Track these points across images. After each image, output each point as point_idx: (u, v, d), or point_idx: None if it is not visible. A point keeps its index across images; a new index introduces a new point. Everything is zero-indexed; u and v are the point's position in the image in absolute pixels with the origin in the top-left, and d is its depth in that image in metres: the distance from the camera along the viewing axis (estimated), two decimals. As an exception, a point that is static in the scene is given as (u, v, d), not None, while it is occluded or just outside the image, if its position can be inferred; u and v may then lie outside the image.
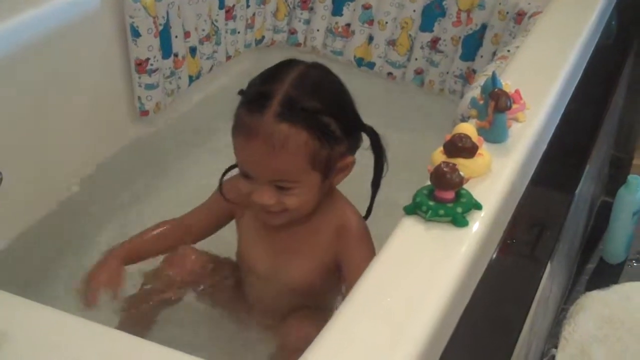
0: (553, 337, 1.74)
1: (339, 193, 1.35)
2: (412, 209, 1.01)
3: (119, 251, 1.37)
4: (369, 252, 1.27)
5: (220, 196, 1.36)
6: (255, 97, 1.21)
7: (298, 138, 1.18)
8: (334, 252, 1.32)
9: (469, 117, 1.24)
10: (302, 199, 1.24)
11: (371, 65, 2.11)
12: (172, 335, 1.37)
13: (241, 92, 1.25)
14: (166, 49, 1.76)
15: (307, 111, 1.19)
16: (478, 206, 1.02)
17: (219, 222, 1.43)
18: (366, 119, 1.82)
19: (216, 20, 1.94)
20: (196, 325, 1.41)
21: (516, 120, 1.20)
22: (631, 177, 1.94)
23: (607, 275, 2.00)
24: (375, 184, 1.36)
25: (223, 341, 1.39)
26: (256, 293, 1.42)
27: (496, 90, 1.13)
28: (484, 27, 1.92)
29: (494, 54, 1.85)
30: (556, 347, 1.72)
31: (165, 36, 1.75)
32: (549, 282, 1.33)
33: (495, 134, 1.15)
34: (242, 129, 1.21)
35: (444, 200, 1.00)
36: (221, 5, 1.95)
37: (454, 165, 1.00)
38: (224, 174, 1.35)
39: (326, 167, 1.23)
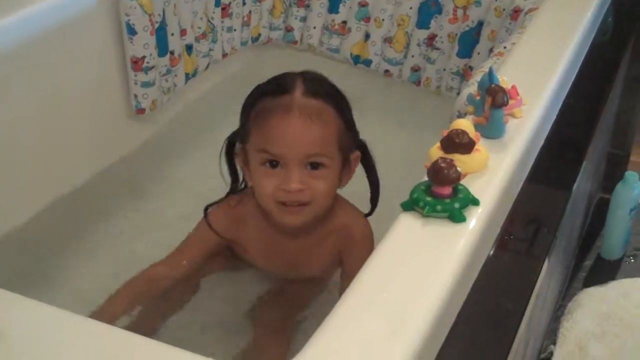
0: (551, 333, 1.75)
1: (342, 198, 1.38)
2: (410, 205, 1.01)
3: (105, 311, 1.32)
4: (370, 247, 1.31)
5: (207, 227, 1.38)
6: (275, 87, 1.27)
7: (329, 111, 1.25)
8: (340, 251, 1.37)
9: (465, 113, 1.24)
10: (328, 185, 1.26)
11: (368, 62, 2.11)
12: (179, 337, 1.37)
13: (256, 91, 1.29)
14: (162, 47, 1.76)
15: (330, 90, 1.28)
16: (475, 202, 1.02)
17: (212, 252, 1.43)
18: (363, 116, 1.83)
19: (212, 18, 1.94)
20: (203, 327, 1.41)
21: (513, 116, 1.20)
22: (628, 174, 1.95)
23: (605, 271, 2.00)
24: (374, 197, 1.40)
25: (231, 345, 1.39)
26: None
27: (493, 86, 1.13)
28: (480, 23, 1.92)
29: (491, 50, 1.85)
30: (554, 344, 1.72)
31: (161, 34, 1.74)
32: (547, 279, 1.33)
33: (492, 129, 1.15)
34: (272, 111, 1.24)
35: (441, 196, 1.00)
36: (217, 3, 1.94)
37: (451, 161, 1.00)
38: (206, 209, 1.38)
39: (346, 152, 1.29)
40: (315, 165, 1.24)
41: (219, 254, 1.44)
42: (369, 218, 1.39)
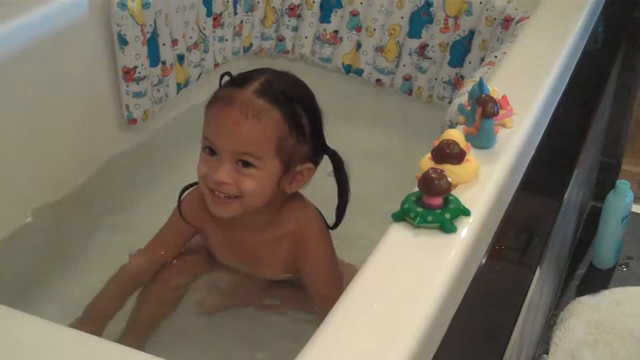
0: (543, 342, 1.75)
1: (301, 198, 1.39)
2: (401, 216, 1.01)
3: (97, 314, 1.35)
4: (327, 251, 1.37)
5: (179, 222, 1.41)
6: (238, 78, 1.29)
7: (272, 114, 1.24)
8: (295, 259, 1.38)
9: (457, 123, 1.24)
10: (258, 185, 1.26)
11: (359, 71, 2.11)
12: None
13: (224, 76, 1.31)
14: (154, 57, 1.76)
15: (284, 95, 1.26)
16: (466, 212, 1.02)
17: (187, 239, 1.47)
18: (355, 126, 1.84)
19: (204, 28, 1.94)
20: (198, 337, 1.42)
21: (503, 126, 1.20)
22: (620, 183, 1.95)
23: (597, 280, 2.00)
24: (340, 211, 1.39)
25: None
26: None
27: (483, 96, 1.13)
28: (471, 33, 1.93)
29: (482, 59, 1.85)
30: (547, 353, 1.72)
31: (152, 44, 1.74)
32: (539, 288, 1.33)
33: (482, 139, 1.15)
34: (218, 100, 1.27)
35: (432, 206, 1.00)
36: (209, 13, 1.94)
37: (442, 171, 1.00)
38: (181, 194, 1.40)
39: (288, 160, 1.28)
40: (245, 163, 1.25)
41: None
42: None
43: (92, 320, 1.33)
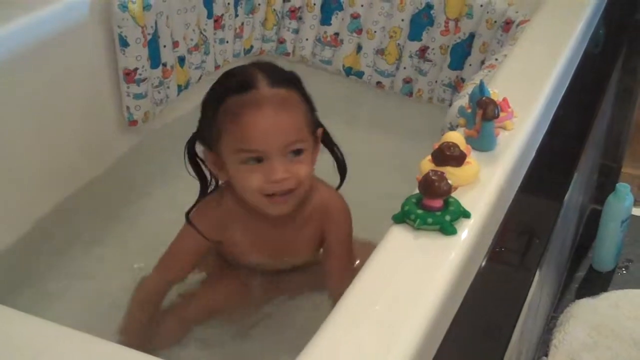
0: (543, 345, 1.75)
1: (314, 178, 1.39)
2: (401, 218, 1.01)
3: (133, 335, 1.37)
4: (349, 230, 1.41)
5: (195, 236, 1.37)
6: (238, 84, 1.27)
7: (293, 97, 1.27)
8: (322, 232, 1.41)
9: (457, 126, 1.24)
10: (308, 167, 1.29)
11: (360, 74, 2.12)
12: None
13: (217, 91, 1.30)
14: (154, 59, 1.76)
15: (283, 76, 1.29)
16: (466, 214, 1.02)
17: (202, 255, 1.44)
18: (355, 128, 1.84)
19: (205, 30, 1.94)
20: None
21: (504, 128, 1.20)
22: (620, 185, 1.95)
23: (597, 283, 2.00)
24: (342, 174, 1.42)
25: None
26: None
27: (484, 98, 1.13)
28: (472, 35, 1.93)
29: (482, 62, 1.85)
30: (546, 355, 1.72)
31: (153, 46, 1.75)
32: (538, 290, 1.33)
33: (483, 142, 1.15)
34: (244, 109, 1.24)
35: (432, 208, 1.00)
36: (210, 15, 1.95)
37: (442, 173, 1.00)
38: (187, 215, 1.37)
39: (314, 131, 1.31)
40: (295, 152, 1.26)
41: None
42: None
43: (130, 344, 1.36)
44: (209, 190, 1.39)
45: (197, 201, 1.38)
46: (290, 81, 1.30)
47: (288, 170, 1.25)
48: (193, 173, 1.38)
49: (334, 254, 1.40)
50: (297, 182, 1.27)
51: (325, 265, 1.42)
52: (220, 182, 1.38)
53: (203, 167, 1.37)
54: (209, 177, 1.38)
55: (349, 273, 1.36)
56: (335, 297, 1.32)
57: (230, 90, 1.27)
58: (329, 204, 1.39)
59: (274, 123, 1.24)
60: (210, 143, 1.31)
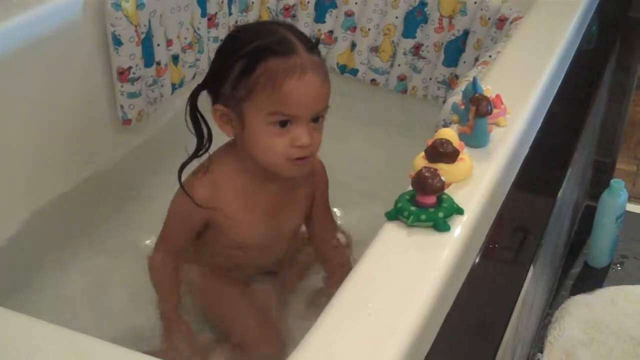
0: (538, 341, 1.75)
1: None
2: (394, 215, 1.01)
3: (171, 312, 1.42)
4: (328, 197, 1.50)
5: (189, 204, 1.36)
6: (277, 44, 1.25)
7: (324, 65, 1.30)
8: (310, 201, 1.47)
9: (450, 123, 1.24)
10: (321, 134, 1.31)
11: (354, 71, 2.12)
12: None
13: (254, 48, 1.26)
14: (148, 58, 1.76)
15: (316, 44, 1.31)
16: (460, 211, 1.02)
17: (199, 226, 1.43)
18: (350, 125, 1.84)
19: (198, 29, 1.94)
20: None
21: (497, 125, 1.21)
22: (614, 182, 1.96)
23: (592, 279, 2.01)
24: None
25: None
26: (259, 261, 1.49)
27: (477, 95, 1.13)
28: (466, 33, 1.93)
29: (476, 59, 1.85)
30: (542, 352, 1.72)
31: (147, 44, 1.74)
32: (532, 286, 1.33)
33: (476, 138, 1.15)
34: (288, 74, 1.24)
35: (425, 205, 1.00)
36: (203, 14, 1.94)
37: (436, 170, 1.00)
38: (180, 173, 1.36)
39: None
40: (316, 118, 1.28)
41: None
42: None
43: (178, 322, 1.41)
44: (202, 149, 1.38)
45: (189, 160, 1.37)
46: (317, 47, 1.32)
47: (312, 136, 1.27)
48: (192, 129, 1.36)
49: (323, 214, 1.48)
50: (316, 148, 1.30)
51: (315, 227, 1.49)
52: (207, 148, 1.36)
53: (202, 123, 1.36)
54: (206, 134, 1.36)
55: (334, 231, 1.55)
56: (327, 256, 1.49)
57: (271, 50, 1.25)
58: (315, 165, 1.44)
59: (313, 91, 1.25)
60: (225, 95, 1.29)
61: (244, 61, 1.26)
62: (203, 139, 1.37)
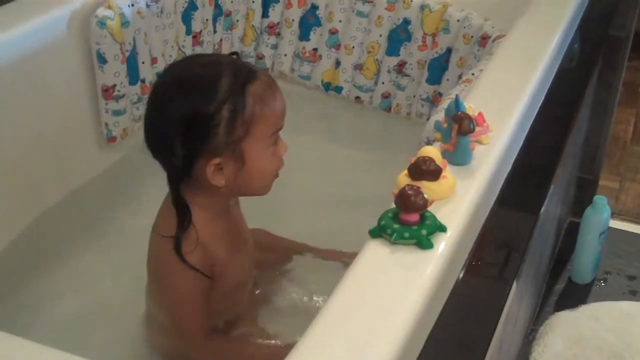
0: (523, 357, 1.75)
1: None
2: (377, 232, 1.01)
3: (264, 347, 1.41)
4: None
5: (194, 278, 1.29)
6: (241, 72, 1.24)
7: None
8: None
9: (434, 140, 1.25)
10: None
11: (339, 89, 2.13)
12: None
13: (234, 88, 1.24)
14: (133, 75, 1.76)
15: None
16: (442, 228, 1.02)
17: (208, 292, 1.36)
18: (334, 142, 1.85)
19: (183, 46, 1.95)
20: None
21: (480, 142, 1.21)
22: (597, 198, 1.97)
23: (576, 295, 2.01)
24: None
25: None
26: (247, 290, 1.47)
27: (459, 113, 1.14)
28: (449, 50, 1.94)
29: (460, 77, 1.86)
30: (526, 368, 1.72)
31: (132, 62, 1.75)
32: (516, 302, 1.34)
33: (458, 156, 1.16)
34: (268, 92, 1.25)
35: (408, 223, 1.00)
36: (188, 31, 1.95)
37: (418, 188, 1.01)
38: (179, 252, 1.27)
39: None
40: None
41: None
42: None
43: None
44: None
45: (179, 237, 1.28)
46: None
47: None
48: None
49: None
50: None
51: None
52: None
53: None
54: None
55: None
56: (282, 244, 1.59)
57: (244, 80, 1.22)
58: None
59: (282, 97, 1.29)
60: (218, 146, 1.22)
61: (229, 104, 1.20)
62: (190, 216, 1.28)
